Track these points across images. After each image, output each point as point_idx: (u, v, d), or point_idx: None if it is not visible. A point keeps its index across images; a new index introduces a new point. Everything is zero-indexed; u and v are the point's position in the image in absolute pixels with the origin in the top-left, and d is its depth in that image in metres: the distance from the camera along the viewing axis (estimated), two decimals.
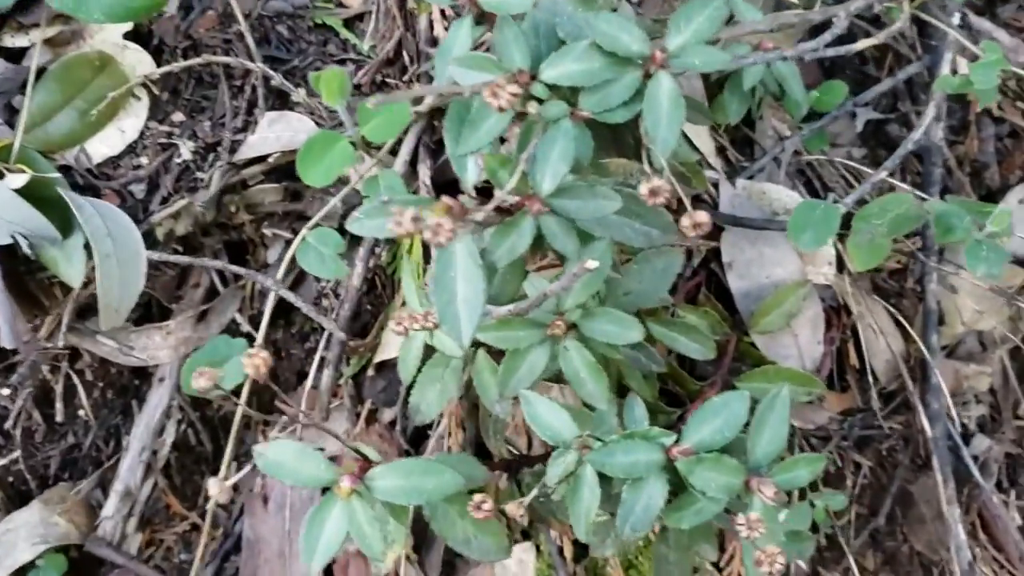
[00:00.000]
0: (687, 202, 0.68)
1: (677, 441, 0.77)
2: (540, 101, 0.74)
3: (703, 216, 0.66)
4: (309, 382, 1.10)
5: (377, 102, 0.65)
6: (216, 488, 0.73)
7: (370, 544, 0.76)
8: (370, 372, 1.11)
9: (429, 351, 0.99)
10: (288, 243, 1.10)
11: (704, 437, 0.77)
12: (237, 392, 1.12)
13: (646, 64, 0.73)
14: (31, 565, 1.04)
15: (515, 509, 0.76)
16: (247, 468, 0.82)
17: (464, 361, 0.95)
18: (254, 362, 0.70)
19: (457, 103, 0.76)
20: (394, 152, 1.05)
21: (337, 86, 0.83)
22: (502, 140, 0.86)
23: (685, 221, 0.66)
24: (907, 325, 1.17)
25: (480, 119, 0.74)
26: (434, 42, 1.10)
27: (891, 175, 0.99)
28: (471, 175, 0.75)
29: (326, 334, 1.09)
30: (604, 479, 0.80)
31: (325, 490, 0.78)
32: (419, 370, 0.95)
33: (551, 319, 0.84)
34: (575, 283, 0.79)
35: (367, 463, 0.82)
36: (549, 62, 0.74)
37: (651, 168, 0.74)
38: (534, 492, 0.78)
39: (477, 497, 0.74)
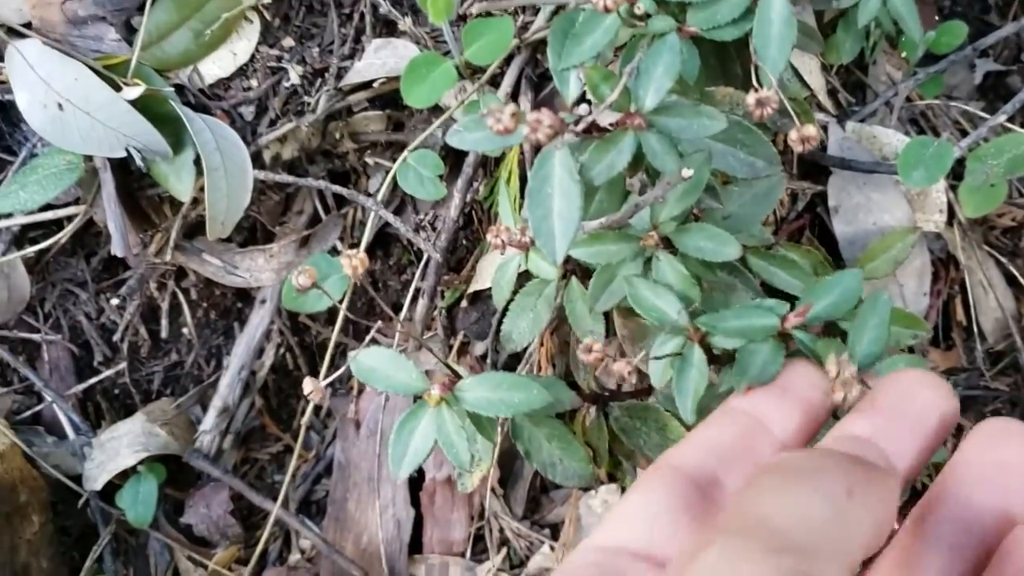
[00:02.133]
0: (795, 117, 0.66)
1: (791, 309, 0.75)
2: (647, 17, 0.74)
3: (812, 130, 0.64)
4: (404, 312, 1.12)
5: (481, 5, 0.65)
6: (311, 387, 0.74)
7: (457, 453, 0.76)
8: (464, 304, 1.12)
9: (521, 282, 0.99)
10: (388, 173, 1.12)
11: (818, 310, 0.75)
12: (334, 314, 1.15)
13: None
14: (133, 471, 1.08)
15: (623, 367, 0.74)
16: (343, 370, 0.83)
17: (557, 291, 0.95)
18: (352, 263, 0.71)
19: (562, 18, 0.76)
20: (495, 84, 1.05)
21: (443, 4, 0.83)
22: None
23: (793, 135, 0.65)
24: (1019, 291, 1.13)
25: (585, 32, 0.74)
26: None
27: (1010, 121, 0.95)
28: (572, 90, 0.74)
29: (422, 263, 1.10)
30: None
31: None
32: (512, 298, 0.96)
33: (645, 232, 0.83)
34: (669, 193, 0.78)
35: (458, 378, 0.83)
36: None
37: (758, 81, 0.72)
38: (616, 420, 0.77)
39: (587, 340, 0.73)
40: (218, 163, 0.92)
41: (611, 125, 0.72)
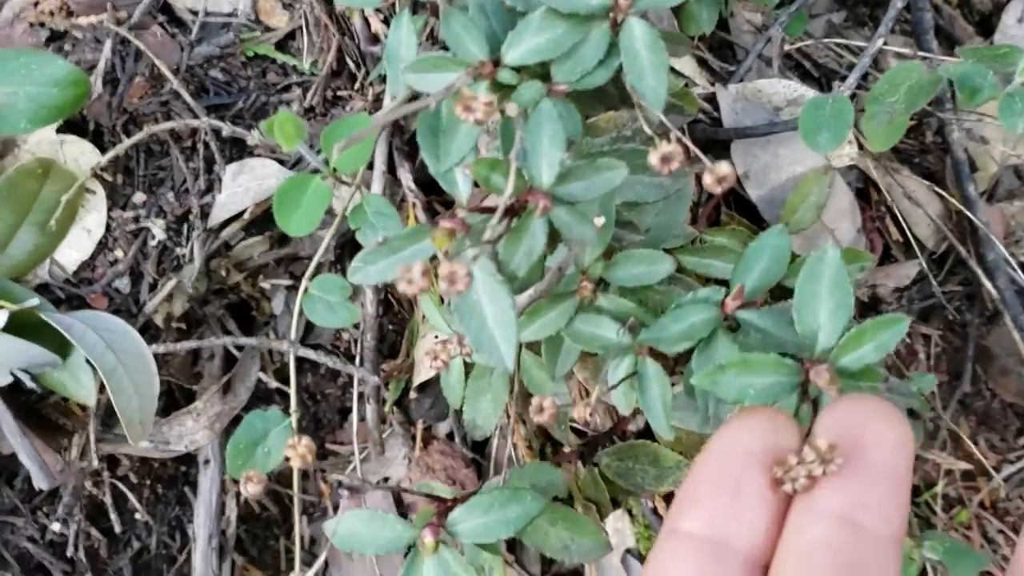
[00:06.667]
0: (704, 158, 0.61)
1: (727, 294, 0.71)
2: (512, 87, 0.68)
3: (726, 167, 0.60)
4: (354, 416, 1.06)
5: (343, 148, 0.58)
6: None
7: None
8: (413, 394, 1.07)
9: (469, 366, 0.94)
10: (289, 288, 1.05)
11: (755, 281, 0.71)
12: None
13: (612, 13, 0.67)
14: None
15: (583, 411, 0.71)
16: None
17: None
18: (299, 452, 0.65)
19: (425, 115, 0.70)
20: (369, 166, 0.99)
21: (292, 128, 0.77)
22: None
23: (708, 178, 0.60)
24: (941, 186, 1.11)
25: (455, 126, 0.68)
26: (375, 39, 1.02)
27: (884, 43, 0.92)
28: (463, 188, 0.69)
29: (357, 361, 1.04)
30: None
31: None
32: (464, 385, 0.91)
33: (576, 282, 0.78)
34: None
35: (442, 503, 0.77)
36: (509, 43, 0.67)
37: (647, 125, 0.67)
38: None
39: (535, 400, 0.68)
40: (113, 363, 0.85)
41: (515, 204, 0.67)
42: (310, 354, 0.92)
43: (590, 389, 1.02)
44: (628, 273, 0.79)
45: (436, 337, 1.00)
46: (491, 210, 0.65)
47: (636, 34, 0.67)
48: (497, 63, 0.68)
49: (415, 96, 0.85)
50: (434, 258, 0.67)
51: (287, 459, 0.83)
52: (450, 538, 0.73)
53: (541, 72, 0.69)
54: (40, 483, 0.89)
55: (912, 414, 1.00)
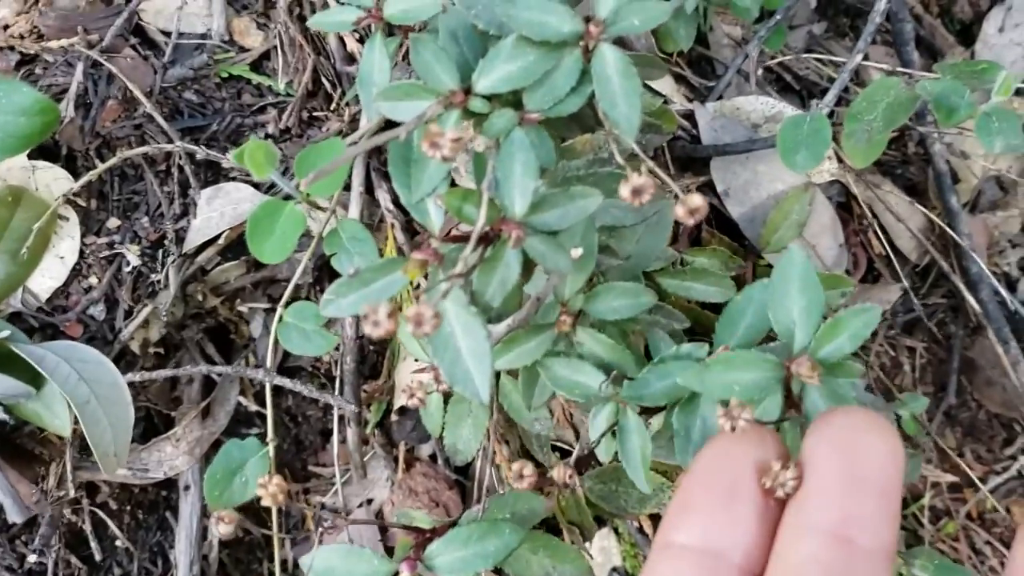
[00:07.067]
0: (676, 187, 0.61)
1: (710, 352, 0.70)
2: (484, 115, 0.67)
3: (698, 200, 0.59)
4: (335, 438, 1.05)
5: (310, 182, 0.57)
6: None
7: None
8: (394, 416, 1.06)
9: (449, 391, 0.93)
10: (267, 311, 1.04)
11: (739, 337, 0.70)
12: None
13: (584, 40, 0.66)
14: None
15: (562, 472, 0.71)
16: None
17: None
18: (270, 492, 0.65)
19: (396, 144, 0.69)
20: (347, 187, 0.98)
21: (263, 156, 0.75)
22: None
23: (680, 210, 0.59)
24: (923, 198, 1.10)
25: (427, 157, 0.67)
26: (351, 59, 1.01)
27: (864, 57, 0.91)
28: (435, 219, 0.68)
29: (337, 384, 1.03)
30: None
31: None
32: (444, 411, 0.90)
33: (556, 313, 0.77)
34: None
35: (421, 534, 0.76)
36: (480, 71, 0.66)
37: (619, 154, 0.66)
38: None
39: (516, 466, 0.68)
40: (87, 394, 0.84)
41: (488, 232, 0.66)
42: (286, 383, 0.91)
43: (572, 410, 1.01)
44: (608, 306, 0.78)
45: (416, 360, 0.99)
46: (466, 238, 0.64)
47: (608, 61, 0.66)
48: (469, 91, 0.67)
49: (390, 120, 0.84)
50: (418, 287, 0.66)
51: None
52: (428, 572, 0.72)
53: (513, 100, 0.68)
54: (14, 517, 0.88)
55: (908, 439, 0.99)
